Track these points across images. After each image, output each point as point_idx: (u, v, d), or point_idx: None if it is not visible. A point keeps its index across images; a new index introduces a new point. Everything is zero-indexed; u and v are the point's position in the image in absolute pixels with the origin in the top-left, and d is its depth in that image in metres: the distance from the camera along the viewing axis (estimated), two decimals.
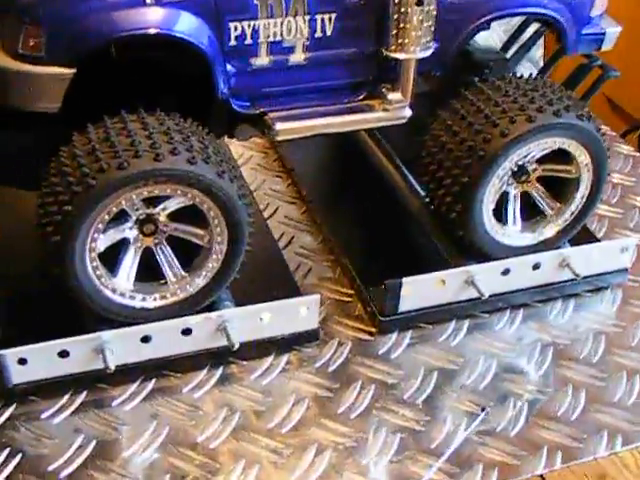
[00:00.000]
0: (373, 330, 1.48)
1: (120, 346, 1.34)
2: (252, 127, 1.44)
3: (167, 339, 1.36)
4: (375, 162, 1.73)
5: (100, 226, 1.27)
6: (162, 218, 1.33)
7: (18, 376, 1.32)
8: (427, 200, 1.55)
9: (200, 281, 1.36)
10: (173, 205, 1.32)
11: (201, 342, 1.38)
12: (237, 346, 1.35)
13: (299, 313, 1.41)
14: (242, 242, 1.33)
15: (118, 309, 1.34)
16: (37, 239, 1.32)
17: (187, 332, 1.36)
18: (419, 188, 1.64)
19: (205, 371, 1.40)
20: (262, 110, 1.40)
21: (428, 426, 1.33)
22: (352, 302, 1.54)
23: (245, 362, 1.42)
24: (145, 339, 1.35)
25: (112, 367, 1.31)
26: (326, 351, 1.44)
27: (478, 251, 1.48)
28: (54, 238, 1.26)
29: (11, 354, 1.30)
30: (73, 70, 1.27)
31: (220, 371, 1.40)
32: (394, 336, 1.48)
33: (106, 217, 1.27)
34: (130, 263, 1.35)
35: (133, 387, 1.37)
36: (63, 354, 1.32)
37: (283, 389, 1.38)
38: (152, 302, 1.35)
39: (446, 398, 1.38)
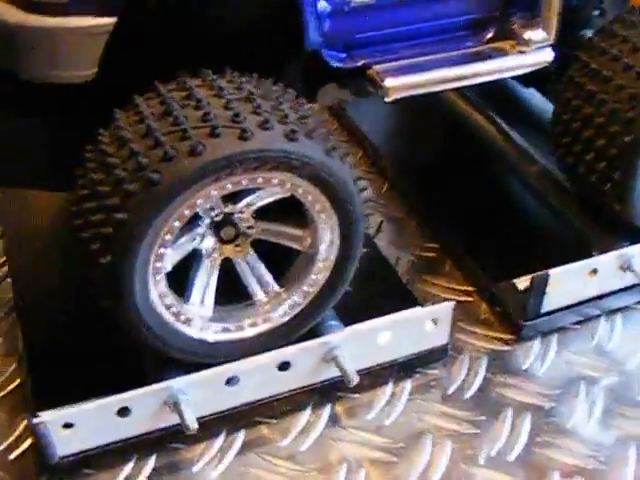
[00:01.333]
0: (510, 338, 1.10)
1: (198, 395, 0.94)
2: (340, 88, 1.05)
3: (259, 379, 0.97)
4: (471, 126, 1.34)
5: (168, 237, 0.86)
6: (245, 217, 0.93)
7: (65, 446, 0.92)
8: (564, 167, 1.16)
9: (300, 298, 0.96)
10: (261, 200, 0.91)
11: (302, 378, 0.99)
12: (356, 380, 0.97)
13: (424, 328, 1.04)
14: (357, 244, 0.93)
15: (193, 347, 0.93)
16: (72, 259, 0.92)
17: (285, 367, 0.97)
18: (536, 155, 1.25)
19: (308, 413, 1.01)
20: (363, 62, 1.00)
21: (611, 463, 0.97)
22: (473, 303, 1.14)
23: (357, 395, 1.03)
24: (230, 381, 0.96)
25: (193, 426, 0.92)
26: (456, 371, 1.06)
27: (637, 229, 1.11)
28: (104, 259, 0.85)
29: (53, 420, 0.90)
30: (112, 20, 0.86)
31: (327, 411, 1.01)
32: (536, 344, 1.09)
33: (176, 224, 0.86)
34: (205, 282, 0.93)
35: (217, 444, 0.97)
36: (123, 412, 0.92)
37: (412, 428, 0.99)
38: (237, 333, 0.94)
39: (625, 422, 1.01)
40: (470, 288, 1.16)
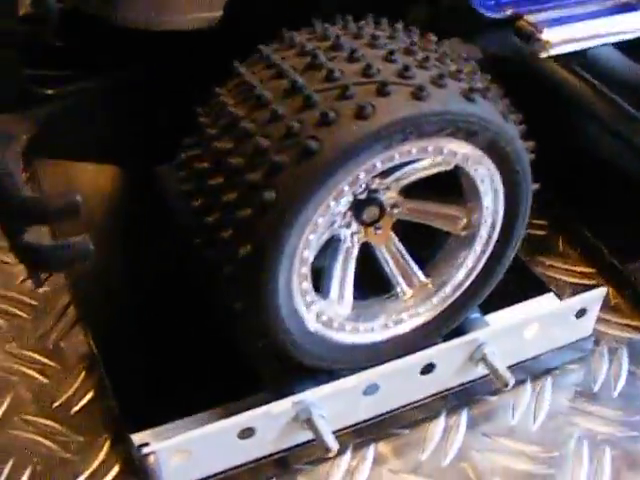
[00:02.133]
0: None
1: (331, 408, 0.76)
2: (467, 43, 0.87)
3: (398, 385, 0.79)
4: (573, 95, 1.17)
5: (321, 221, 0.68)
6: (391, 195, 0.74)
7: (175, 478, 0.75)
8: None
9: (450, 290, 0.78)
10: (415, 174, 0.73)
11: (443, 381, 0.81)
12: (512, 380, 0.80)
13: (570, 318, 0.88)
14: (521, 224, 0.76)
15: (333, 352, 0.75)
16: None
17: (428, 370, 0.80)
18: None
19: (442, 421, 0.85)
20: (513, 12, 0.83)
21: None
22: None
23: (493, 397, 0.88)
24: (368, 390, 0.78)
25: (334, 446, 0.74)
26: (597, 365, 0.89)
27: None
28: (243, 249, 0.67)
29: (166, 448, 0.71)
30: None
31: (464, 418, 0.84)
32: None
33: (332, 204, 0.68)
34: (343, 273, 0.75)
35: (344, 463, 0.79)
36: (246, 433, 0.74)
37: (565, 435, 0.83)
38: (381, 332, 0.76)
39: None
40: (589, 269, 1.00)
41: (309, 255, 0.68)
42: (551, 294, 0.90)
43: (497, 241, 0.76)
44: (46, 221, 0.61)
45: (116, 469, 0.80)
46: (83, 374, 0.87)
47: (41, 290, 0.96)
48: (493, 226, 0.75)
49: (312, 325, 0.72)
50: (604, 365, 0.90)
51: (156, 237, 0.91)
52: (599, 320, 0.93)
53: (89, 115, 0.81)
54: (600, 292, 0.85)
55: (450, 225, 0.76)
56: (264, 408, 0.74)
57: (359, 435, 0.81)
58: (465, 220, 0.76)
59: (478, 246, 0.76)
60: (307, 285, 0.69)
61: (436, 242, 0.78)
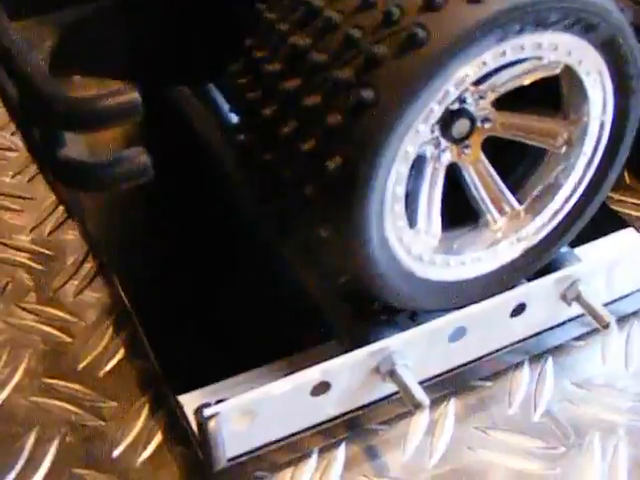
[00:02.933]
0: None
1: (415, 357, 0.65)
2: None
3: (486, 329, 0.68)
4: None
5: (422, 128, 0.55)
6: (483, 106, 0.62)
7: (235, 444, 0.62)
8: None
9: (546, 217, 0.66)
10: (517, 79, 0.60)
11: (532, 325, 0.70)
12: (610, 319, 0.69)
13: None
14: (629, 139, 0.64)
15: (422, 291, 0.62)
16: None
17: (518, 311, 0.69)
18: None
19: (526, 370, 0.73)
20: None
21: None
22: None
23: (579, 342, 0.74)
24: (454, 336, 0.66)
25: (425, 401, 0.62)
26: None
27: None
28: (331, 162, 0.53)
29: (231, 409, 0.58)
30: None
31: (550, 365, 0.72)
32: None
33: (435, 109, 0.55)
34: (429, 199, 0.62)
35: (424, 421, 0.69)
36: (320, 389, 0.63)
37: None
38: (472, 266, 0.65)
39: None
40: None
41: (405, 171, 0.57)
42: (631, 229, 0.80)
43: (600, 160, 0.65)
44: (101, 124, 0.48)
45: (158, 438, 0.67)
46: (110, 331, 0.75)
47: (55, 237, 0.83)
48: (598, 142, 0.64)
49: (402, 258, 0.60)
50: None
51: (186, 165, 0.78)
52: None
53: (112, 25, 0.68)
54: None
55: (549, 141, 0.65)
56: (342, 359, 0.62)
57: (439, 388, 0.70)
58: (566, 135, 0.64)
59: (579, 166, 0.65)
60: (400, 208, 0.57)
61: (530, 164, 0.67)
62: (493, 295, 0.66)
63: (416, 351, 0.64)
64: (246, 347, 0.69)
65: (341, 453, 0.67)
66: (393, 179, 0.55)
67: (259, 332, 0.69)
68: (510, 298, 0.66)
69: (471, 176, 0.65)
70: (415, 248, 0.61)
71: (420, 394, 0.61)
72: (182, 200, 0.78)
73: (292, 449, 0.65)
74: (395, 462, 0.67)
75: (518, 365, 0.73)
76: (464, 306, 0.64)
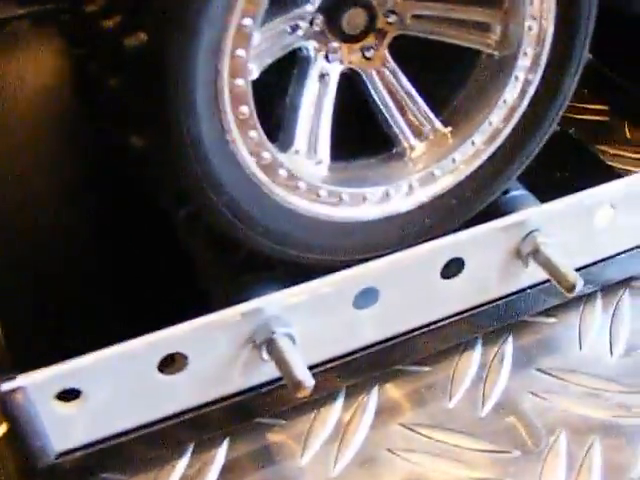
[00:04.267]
0: None
1: (305, 327, 0.48)
2: None
3: (406, 295, 0.51)
4: None
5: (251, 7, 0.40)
6: None
7: (65, 435, 0.46)
8: None
9: (481, 143, 0.48)
10: None
11: (476, 291, 0.52)
12: (580, 283, 0.50)
13: None
14: (584, 36, 0.46)
15: (305, 233, 0.45)
16: None
17: (452, 271, 0.49)
18: None
19: (477, 353, 0.55)
20: None
21: None
22: None
23: (550, 319, 0.56)
24: (361, 300, 0.48)
25: (308, 381, 0.44)
26: None
27: None
28: (131, 41, 0.40)
29: (43, 383, 0.43)
30: None
31: (509, 347, 0.54)
32: None
33: None
34: (314, 113, 0.46)
35: (333, 415, 0.51)
36: (172, 364, 0.46)
37: None
38: (377, 205, 0.47)
39: None
40: None
41: (244, 56, 0.41)
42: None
43: (548, 65, 0.48)
44: None
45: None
46: None
47: None
48: (541, 39, 0.47)
49: (264, 182, 0.43)
50: None
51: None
52: None
53: None
54: None
55: (479, 39, 0.47)
56: (201, 320, 0.46)
57: (354, 374, 0.52)
58: (499, 30, 0.47)
59: (520, 72, 0.48)
60: (248, 111, 0.42)
61: (458, 74, 0.50)
62: (414, 245, 0.49)
63: (304, 318, 0.47)
64: (95, 328, 0.53)
65: (222, 450, 0.51)
66: (226, 67, 0.39)
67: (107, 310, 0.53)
68: (437, 250, 0.49)
69: (377, 88, 0.48)
70: (286, 173, 0.44)
71: (302, 373, 0.45)
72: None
73: (150, 445, 0.49)
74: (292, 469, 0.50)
75: (467, 346, 0.56)
76: (369, 259, 0.48)
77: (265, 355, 0.46)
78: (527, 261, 0.51)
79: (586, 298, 0.58)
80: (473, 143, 0.48)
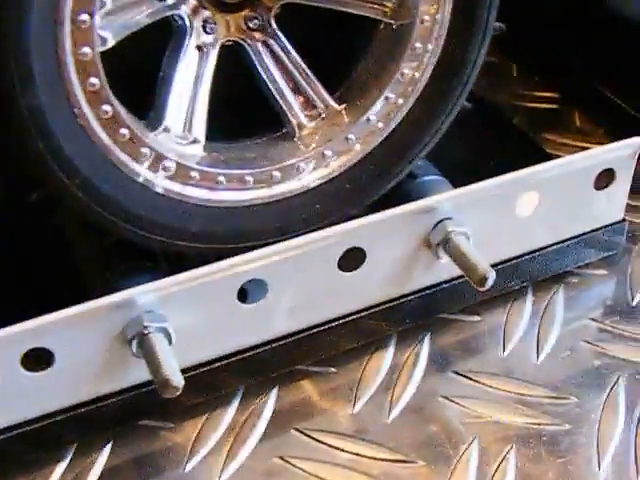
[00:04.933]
0: None
1: (183, 322, 0.43)
2: None
3: (301, 287, 0.45)
4: None
5: None
6: None
7: None
8: None
9: (377, 120, 0.43)
10: None
11: (384, 285, 0.47)
12: (492, 276, 0.45)
13: (585, 189, 0.51)
14: (490, 2, 0.42)
15: (172, 219, 0.41)
16: None
17: (351, 262, 0.45)
18: None
19: (388, 353, 0.50)
20: None
21: None
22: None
23: (472, 317, 0.51)
24: (246, 292, 0.44)
25: (176, 381, 0.40)
26: (635, 268, 0.56)
27: None
28: None
29: None
30: None
31: (425, 347, 0.49)
32: None
33: None
34: (194, 87, 0.41)
35: (225, 420, 0.46)
36: (37, 361, 0.41)
37: (585, 371, 0.48)
38: (265, 189, 0.42)
39: None
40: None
41: (103, 34, 0.37)
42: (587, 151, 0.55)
43: (449, 34, 0.43)
44: None
45: None
46: None
47: None
48: (440, 4, 0.42)
49: (124, 162, 0.38)
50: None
51: None
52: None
53: None
54: (633, 142, 0.51)
55: (373, 7, 0.42)
56: (68, 311, 0.41)
57: (249, 374, 0.47)
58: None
59: (417, 42, 0.43)
60: (97, 82, 0.37)
61: (357, 46, 0.45)
62: (308, 232, 0.44)
63: (181, 314, 0.43)
64: None
65: (103, 457, 0.46)
66: (67, 34, 0.34)
67: None
68: (334, 238, 0.44)
69: (263, 62, 0.43)
70: (150, 152, 0.40)
71: (171, 371, 0.40)
72: None
73: (19, 449, 0.45)
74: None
75: (379, 345, 0.51)
76: (254, 248, 0.43)
77: (136, 351, 0.42)
78: (438, 252, 0.47)
79: (515, 295, 0.54)
80: (368, 121, 0.43)
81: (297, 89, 0.44)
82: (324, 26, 0.44)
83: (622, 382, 0.48)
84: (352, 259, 0.45)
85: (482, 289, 0.44)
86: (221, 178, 0.42)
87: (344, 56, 0.45)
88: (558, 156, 0.60)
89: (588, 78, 0.67)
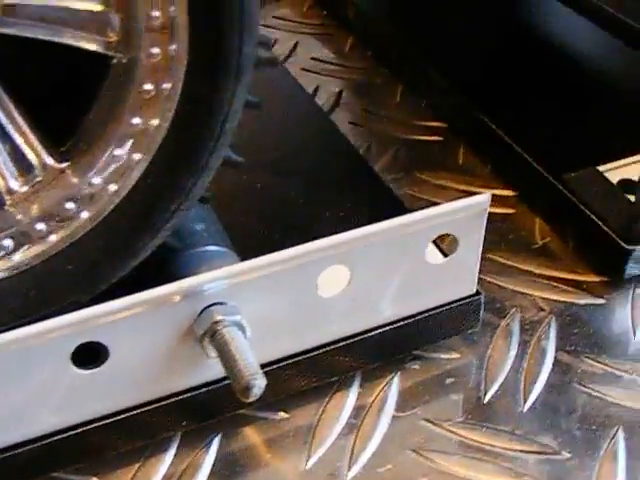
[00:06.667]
0: (597, 281, 0.47)
1: None
2: None
3: (16, 392, 0.33)
4: None
5: None
6: None
7: None
8: None
9: (104, 180, 0.32)
10: None
11: (140, 388, 0.35)
12: (260, 385, 0.33)
13: (419, 256, 0.40)
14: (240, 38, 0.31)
15: None
16: None
17: (93, 357, 0.33)
18: None
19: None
20: None
21: None
22: (516, 216, 0.51)
23: (282, 414, 0.40)
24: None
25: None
26: (499, 352, 0.43)
27: None
28: None
29: None
30: None
31: (212, 453, 0.40)
32: None
33: None
34: None
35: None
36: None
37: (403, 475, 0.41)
38: None
39: None
40: (506, 192, 0.53)
41: None
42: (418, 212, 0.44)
43: (190, 68, 0.32)
44: None
45: None
46: None
47: None
48: (173, 32, 0.31)
49: None
50: (512, 351, 0.44)
51: None
52: (511, 272, 0.48)
53: None
54: (481, 201, 0.40)
55: (95, 39, 0.31)
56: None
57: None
58: (119, 23, 0.32)
59: (147, 82, 0.31)
60: None
61: (87, 89, 0.34)
62: (26, 322, 0.34)
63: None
64: None
65: None
66: None
67: None
68: (62, 331, 0.32)
69: None
70: None
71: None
72: None
73: None
74: None
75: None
76: None
77: None
78: (205, 347, 0.36)
79: (338, 386, 0.43)
80: (96, 182, 0.33)
81: (5, 145, 0.33)
82: (49, 65, 0.33)
83: None
84: (90, 355, 0.35)
85: (246, 400, 0.34)
86: None
87: (73, 101, 0.34)
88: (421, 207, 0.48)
89: (475, 108, 0.55)
